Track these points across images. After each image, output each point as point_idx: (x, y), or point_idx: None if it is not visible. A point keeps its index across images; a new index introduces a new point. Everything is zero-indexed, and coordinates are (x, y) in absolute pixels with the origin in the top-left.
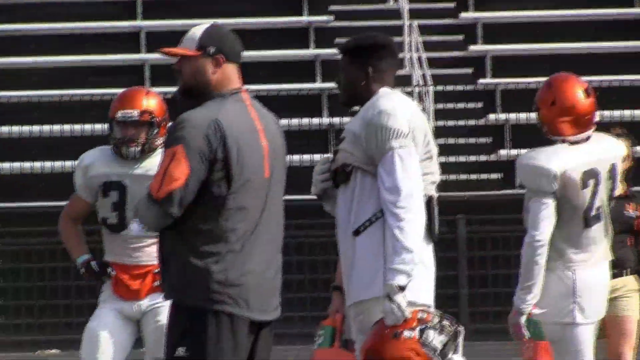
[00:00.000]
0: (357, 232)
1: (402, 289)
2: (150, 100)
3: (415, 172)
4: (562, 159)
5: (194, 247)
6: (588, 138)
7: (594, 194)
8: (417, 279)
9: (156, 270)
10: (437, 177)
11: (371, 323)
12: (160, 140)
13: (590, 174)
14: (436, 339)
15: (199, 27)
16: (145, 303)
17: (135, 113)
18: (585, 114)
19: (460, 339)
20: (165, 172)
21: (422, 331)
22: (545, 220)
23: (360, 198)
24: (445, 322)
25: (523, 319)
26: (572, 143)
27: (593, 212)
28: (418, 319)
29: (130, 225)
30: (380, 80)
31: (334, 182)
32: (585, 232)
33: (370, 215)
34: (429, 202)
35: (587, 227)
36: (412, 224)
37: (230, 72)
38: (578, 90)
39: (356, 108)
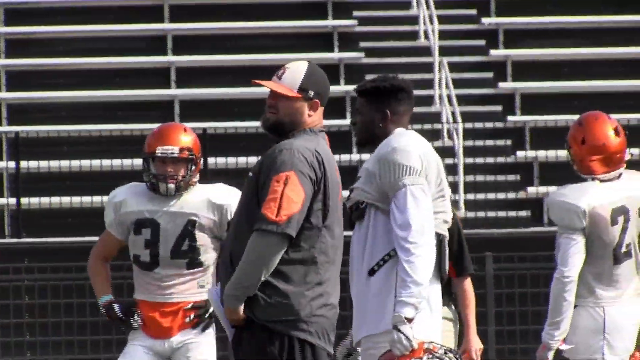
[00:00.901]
0: (372, 272)
1: (409, 320)
2: (188, 137)
3: (427, 209)
4: (591, 196)
5: (286, 276)
6: (619, 176)
7: (624, 230)
8: (422, 317)
9: (187, 307)
10: (449, 216)
11: (378, 358)
12: (196, 178)
13: (620, 211)
14: None
15: (299, 66)
16: (176, 340)
17: (175, 149)
18: (615, 152)
19: None
20: (282, 197)
21: None
22: (574, 257)
23: (374, 236)
24: (450, 355)
25: (551, 354)
26: (603, 181)
27: (623, 249)
28: (424, 349)
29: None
30: (397, 122)
31: (349, 221)
32: (615, 269)
33: (384, 254)
34: (440, 241)
35: (617, 264)
36: (422, 259)
37: (320, 114)
38: (608, 129)
39: None
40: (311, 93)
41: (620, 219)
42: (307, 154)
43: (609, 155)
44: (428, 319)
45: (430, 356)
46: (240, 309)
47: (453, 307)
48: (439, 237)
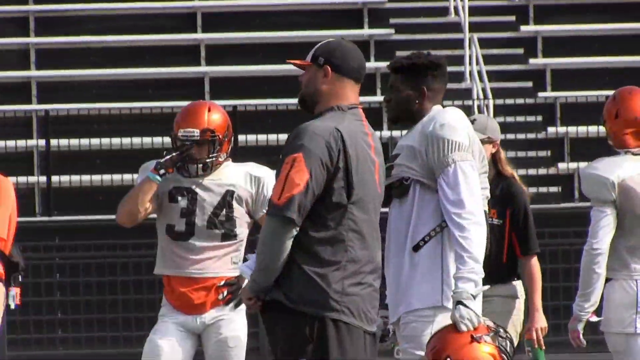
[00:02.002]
0: (417, 247)
1: (473, 296)
2: (213, 116)
3: (477, 185)
4: (621, 168)
5: (314, 255)
6: None
7: None
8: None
9: (220, 284)
10: (488, 192)
11: (422, 331)
12: (223, 157)
13: None
14: (508, 347)
15: (322, 41)
16: (208, 316)
17: (196, 133)
18: None
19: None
20: (286, 180)
21: (493, 338)
22: (603, 229)
23: (419, 212)
24: (506, 334)
25: (581, 326)
26: (636, 155)
27: None
28: (487, 326)
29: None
30: (433, 99)
31: (386, 198)
32: None
33: (430, 230)
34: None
35: None
36: (477, 235)
37: (343, 86)
38: None
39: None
40: (321, 60)
41: None
42: (322, 134)
43: None
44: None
45: (493, 334)
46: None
47: (514, 284)
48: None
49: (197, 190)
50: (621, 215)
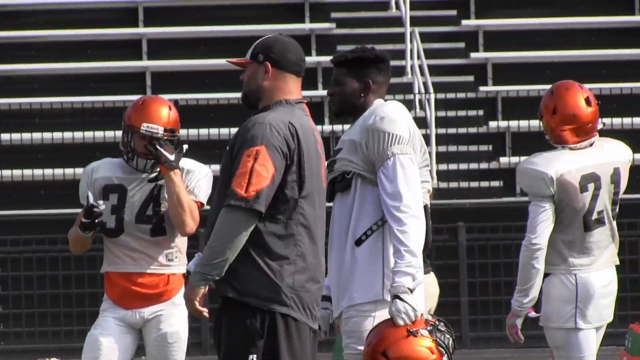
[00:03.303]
0: (359, 242)
1: (410, 290)
2: (172, 116)
3: (416, 178)
4: (559, 163)
5: (265, 249)
6: (592, 144)
7: (594, 198)
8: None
9: (168, 271)
10: (431, 186)
11: (365, 326)
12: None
13: (590, 178)
14: (446, 340)
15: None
16: (146, 311)
17: (160, 130)
18: (587, 122)
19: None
20: (252, 172)
21: (431, 332)
22: (541, 224)
23: (360, 206)
24: (445, 327)
25: (519, 321)
26: (574, 149)
27: (594, 217)
28: (425, 320)
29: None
30: (377, 93)
31: (331, 192)
32: (587, 236)
33: (371, 224)
34: (424, 210)
35: (588, 231)
36: (414, 229)
37: (285, 81)
38: (579, 99)
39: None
40: (261, 57)
41: (591, 186)
42: (279, 127)
43: (580, 125)
44: (415, 290)
45: (431, 328)
46: (201, 291)
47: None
48: (423, 207)
49: (127, 186)
50: (559, 210)
